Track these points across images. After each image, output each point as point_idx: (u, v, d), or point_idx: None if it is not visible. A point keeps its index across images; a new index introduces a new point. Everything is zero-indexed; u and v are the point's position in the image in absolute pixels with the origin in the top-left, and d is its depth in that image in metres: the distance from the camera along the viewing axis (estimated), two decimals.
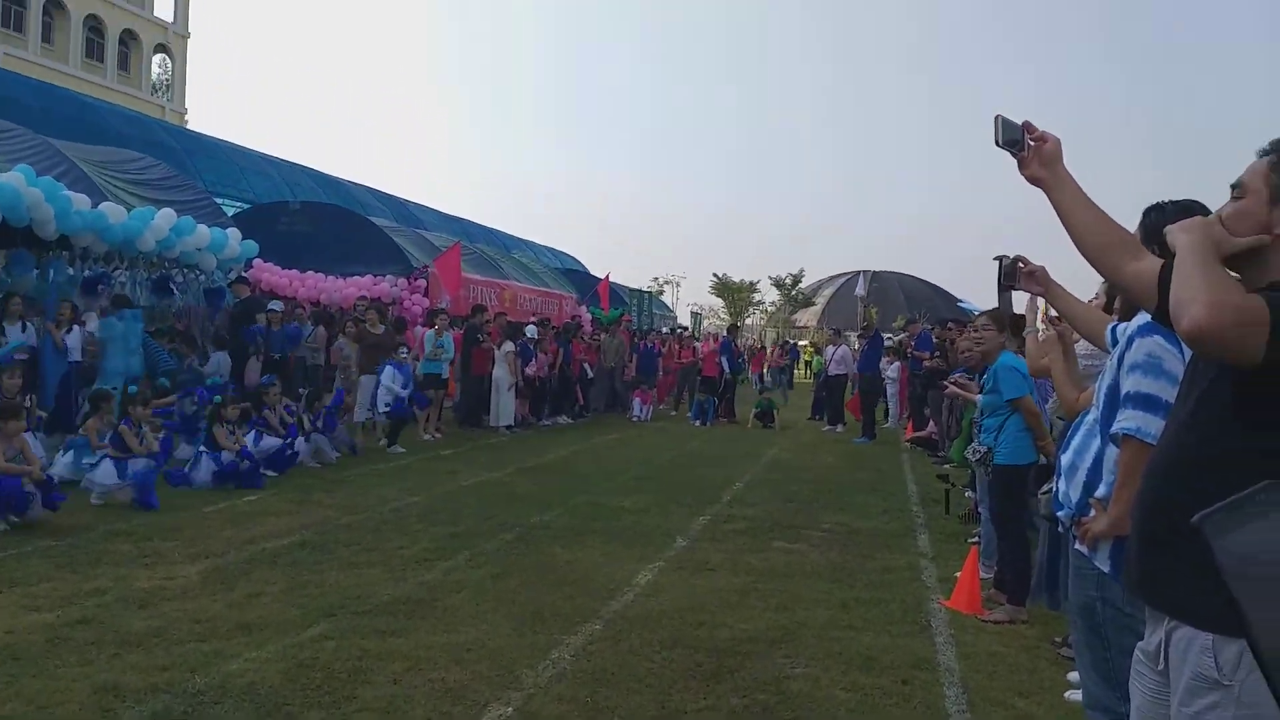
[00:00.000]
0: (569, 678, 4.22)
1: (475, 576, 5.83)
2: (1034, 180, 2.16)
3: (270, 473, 9.05)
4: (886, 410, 18.20)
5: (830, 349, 17.82)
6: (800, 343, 39.58)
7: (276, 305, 12.88)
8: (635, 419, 17.50)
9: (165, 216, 12.95)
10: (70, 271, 12.57)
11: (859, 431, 15.56)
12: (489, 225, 36.03)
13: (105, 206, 12.02)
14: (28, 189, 10.84)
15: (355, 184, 29.30)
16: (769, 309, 57.69)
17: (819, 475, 11.05)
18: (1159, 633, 2.12)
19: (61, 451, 8.35)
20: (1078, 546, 2.79)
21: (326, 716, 3.66)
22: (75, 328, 11.06)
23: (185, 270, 14.28)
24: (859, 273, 54.46)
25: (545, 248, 39.30)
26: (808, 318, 54.90)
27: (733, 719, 3.84)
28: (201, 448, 8.52)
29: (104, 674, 3.96)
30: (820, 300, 57.08)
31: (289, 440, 9.40)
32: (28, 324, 10.41)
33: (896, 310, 42.30)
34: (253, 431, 9.14)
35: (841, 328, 21.52)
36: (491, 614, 5.09)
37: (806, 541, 7.31)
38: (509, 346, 14.44)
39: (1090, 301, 4.00)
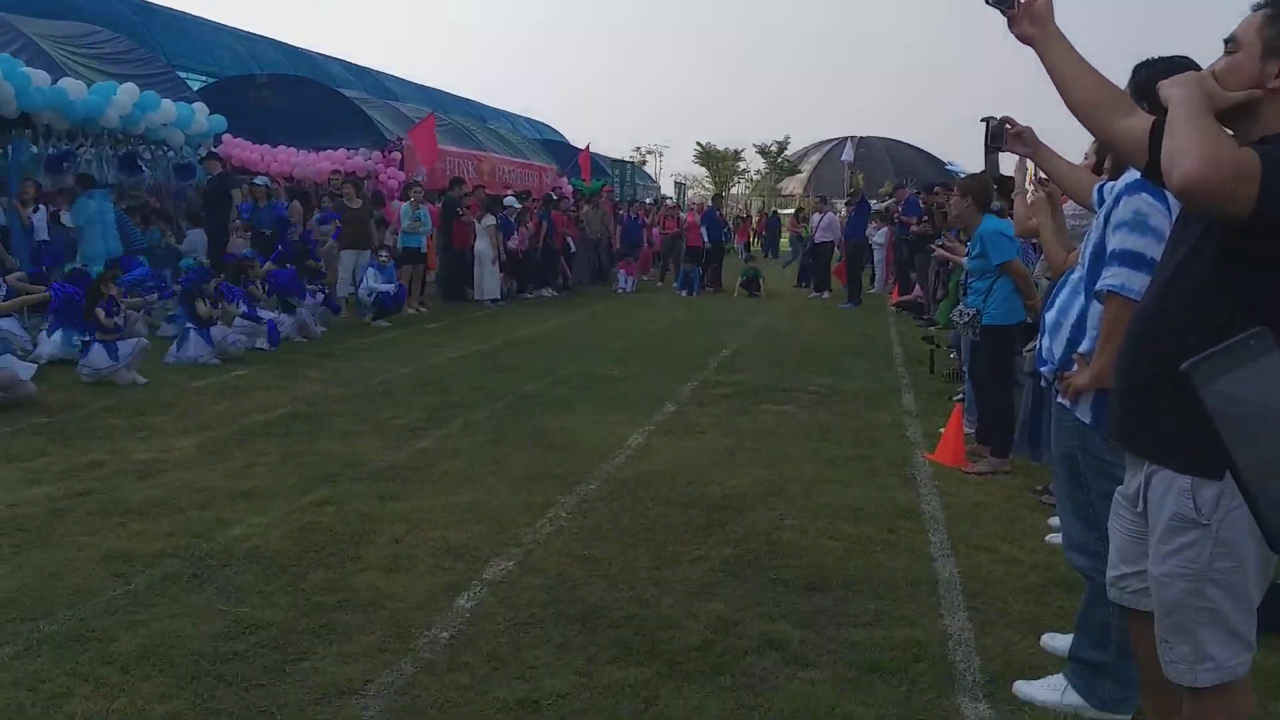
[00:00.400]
0: (566, 534, 4.34)
1: (469, 443, 5.92)
2: (1024, 38, 2.10)
3: (265, 346, 9.06)
4: (873, 276, 18.22)
5: (816, 216, 17.71)
6: (784, 211, 39.17)
7: (263, 180, 12.55)
8: (620, 291, 17.46)
9: (128, 92, 12.49)
10: (34, 150, 12.20)
11: (845, 297, 15.62)
12: (464, 96, 34.89)
13: (65, 82, 11.58)
14: None
15: (324, 55, 28.14)
16: (754, 177, 56.87)
17: (806, 340, 11.14)
18: (1138, 477, 2.18)
19: (46, 331, 8.28)
20: (1060, 400, 2.85)
21: (332, 575, 3.77)
22: (40, 206, 10.80)
23: (153, 146, 13.87)
24: (845, 139, 53.53)
25: (524, 118, 38.21)
26: (794, 185, 54.16)
27: (725, 568, 3.98)
28: (187, 324, 8.45)
29: (110, 542, 4.05)
30: (806, 167, 56.19)
31: (276, 314, 9.38)
32: None
33: (884, 175, 41.74)
34: (241, 303, 9.12)
35: (828, 194, 21.25)
36: (488, 477, 5.19)
37: (794, 403, 7.43)
38: (490, 220, 14.23)
39: (1080, 162, 3.94)
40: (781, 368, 9.09)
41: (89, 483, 4.88)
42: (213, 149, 14.12)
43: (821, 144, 58.93)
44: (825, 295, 16.69)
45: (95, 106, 11.96)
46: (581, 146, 27.01)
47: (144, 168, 14.04)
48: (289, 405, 6.81)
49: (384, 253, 12.11)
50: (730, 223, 24.16)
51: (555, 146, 29.54)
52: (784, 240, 32.75)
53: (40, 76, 11.23)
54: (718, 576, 3.88)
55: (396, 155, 16.63)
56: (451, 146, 19.15)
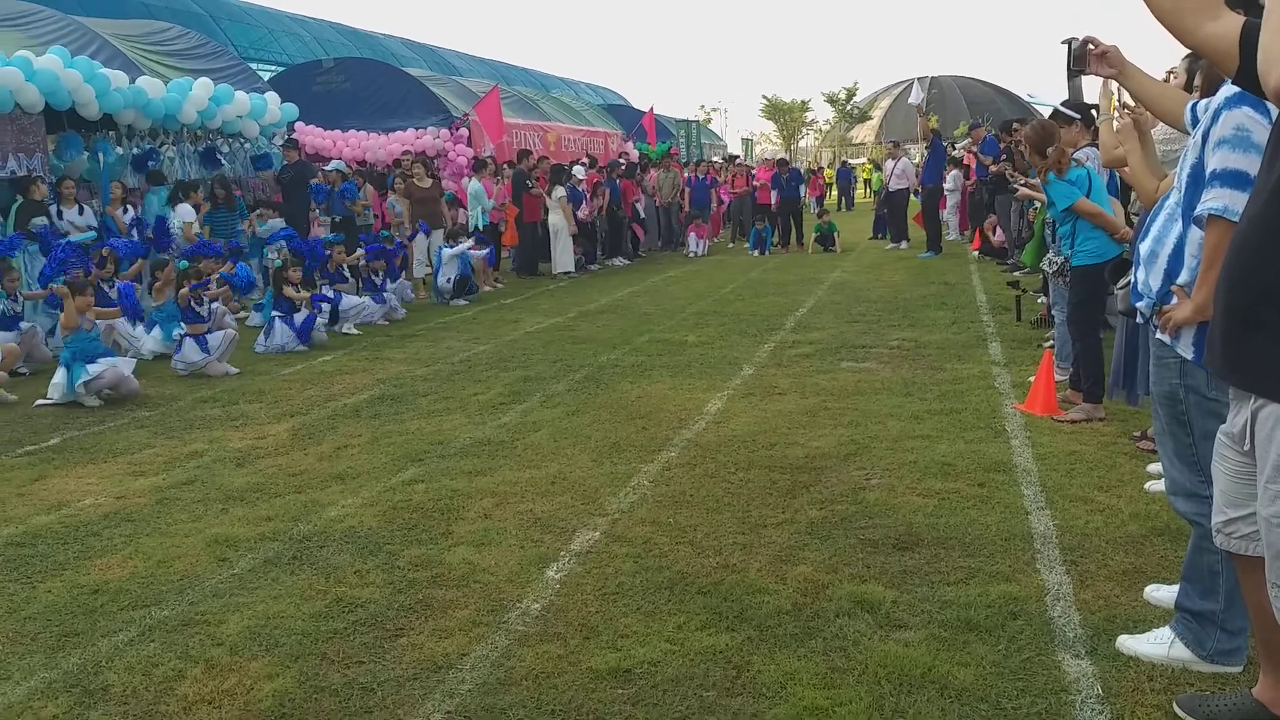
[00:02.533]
0: (650, 502, 4.35)
1: (550, 416, 5.97)
2: None
3: (353, 330, 9.32)
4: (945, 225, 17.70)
5: (890, 163, 17.18)
6: (856, 160, 38.30)
7: (339, 165, 12.79)
8: (692, 255, 17.33)
9: (203, 86, 12.83)
10: (119, 150, 12.62)
11: (924, 246, 15.20)
12: (526, 66, 34.93)
13: (143, 81, 11.93)
14: (65, 71, 10.79)
15: (386, 36, 28.52)
16: (823, 128, 55.67)
17: (884, 294, 10.90)
18: (1244, 413, 2.07)
19: (145, 328, 8.63)
20: (1159, 335, 2.71)
21: (426, 552, 3.86)
22: (127, 207, 11.22)
23: (229, 139, 14.24)
24: (916, 79, 51.84)
25: (585, 84, 38.14)
26: (864, 133, 52.85)
27: (812, 530, 3.94)
28: (274, 313, 8.71)
29: (214, 528, 4.22)
30: (877, 114, 54.74)
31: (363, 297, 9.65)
32: (84, 207, 10.58)
33: (958, 116, 40.43)
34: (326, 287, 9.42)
35: (901, 140, 20.64)
36: (570, 449, 5.24)
37: (875, 359, 7.29)
38: (560, 192, 14.21)
39: (1168, 79, 3.71)
40: (861, 323, 8.91)
41: (191, 472, 5.09)
42: (290, 136, 14.44)
43: (891, 88, 57.30)
44: (904, 245, 16.26)
45: (174, 103, 12.33)
46: (645, 109, 26.82)
47: (223, 160, 14.46)
48: (375, 388, 6.98)
49: (464, 238, 12.17)
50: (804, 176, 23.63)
51: (619, 110, 29.40)
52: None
53: (119, 77, 11.60)
54: (805, 539, 3.84)
55: (464, 132, 16.77)
56: (516, 118, 19.22)
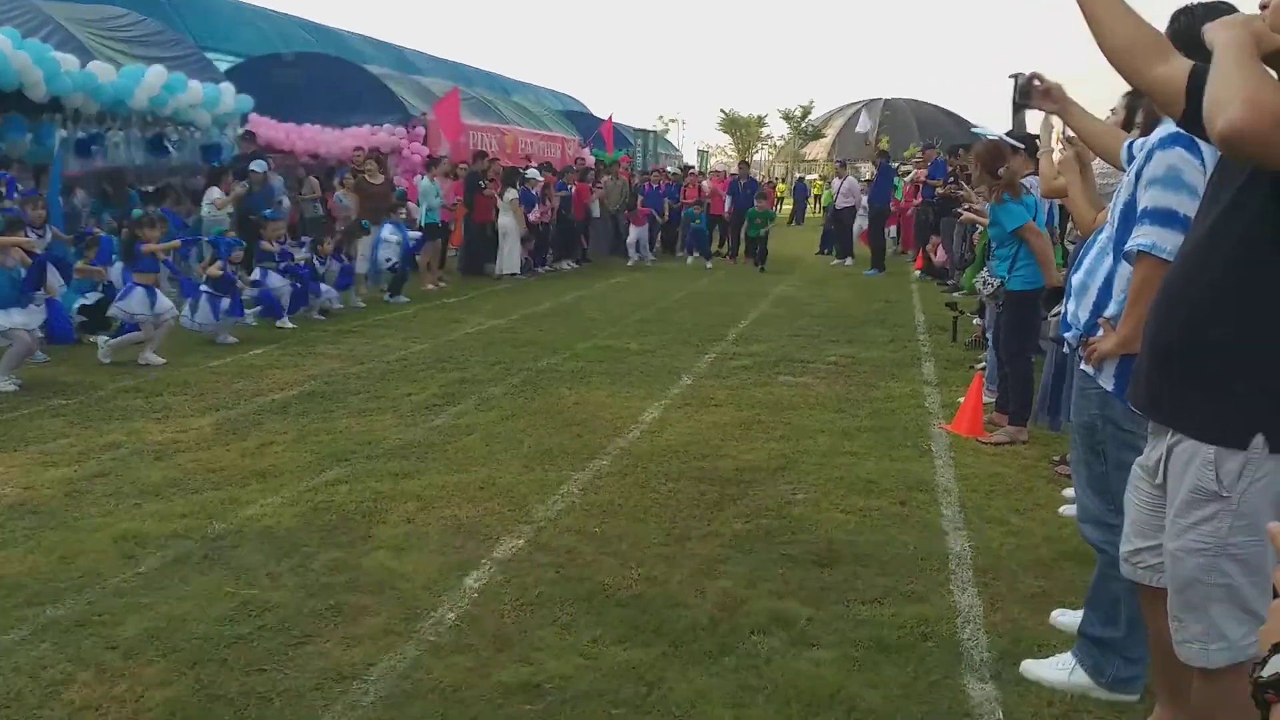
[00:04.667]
0: (578, 510, 4.32)
1: (484, 419, 5.91)
2: None
3: (287, 325, 9.12)
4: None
5: (836, 181, 17.45)
6: (809, 176, 38.73)
7: (259, 165, 12.55)
8: (634, 260, 17.03)
9: (156, 74, 12.53)
10: (63, 134, 12.25)
11: (869, 264, 15.41)
12: (487, 69, 34.69)
13: (94, 66, 11.63)
14: (14, 52, 10.47)
15: (349, 32, 28.07)
16: (778, 144, 56.22)
17: (827, 309, 11.01)
18: (1160, 448, 2.11)
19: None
20: (1083, 366, 2.76)
21: (344, 555, 3.78)
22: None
23: (180, 128, 13.92)
24: (868, 102, 52.63)
25: (546, 89, 37.95)
26: (818, 150, 53.48)
27: (735, 543, 3.94)
28: (202, 287, 8.44)
29: (124, 523, 4.08)
30: (830, 131, 55.42)
31: (299, 280, 9.44)
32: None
33: (909, 138, 41.05)
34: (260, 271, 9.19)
35: (852, 159, 20.95)
36: (501, 454, 5.18)
37: (812, 374, 7.35)
38: (511, 194, 14.14)
39: (1106, 117, 3.80)
40: (801, 338, 8.99)
41: (105, 464, 4.93)
42: (248, 129, 14.19)
43: (845, 107, 58.04)
44: (848, 262, 16.47)
45: (124, 89, 12.01)
46: (605, 116, 26.80)
47: (170, 149, 14.10)
48: (305, 384, 6.83)
49: (401, 211, 11.98)
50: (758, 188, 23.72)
51: (578, 117, 29.31)
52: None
53: (69, 60, 11.28)
54: (728, 552, 3.85)
55: (421, 130, 16.60)
56: (475, 120, 19.07)
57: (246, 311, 8.90)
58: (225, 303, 8.37)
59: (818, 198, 34.58)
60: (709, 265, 16.43)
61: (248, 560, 3.72)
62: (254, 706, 2.69)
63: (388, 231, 11.44)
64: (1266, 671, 1.07)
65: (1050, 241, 5.74)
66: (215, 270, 8.43)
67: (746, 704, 2.73)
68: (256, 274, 9.18)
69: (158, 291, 7.60)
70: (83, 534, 3.96)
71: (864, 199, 17.03)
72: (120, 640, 3.05)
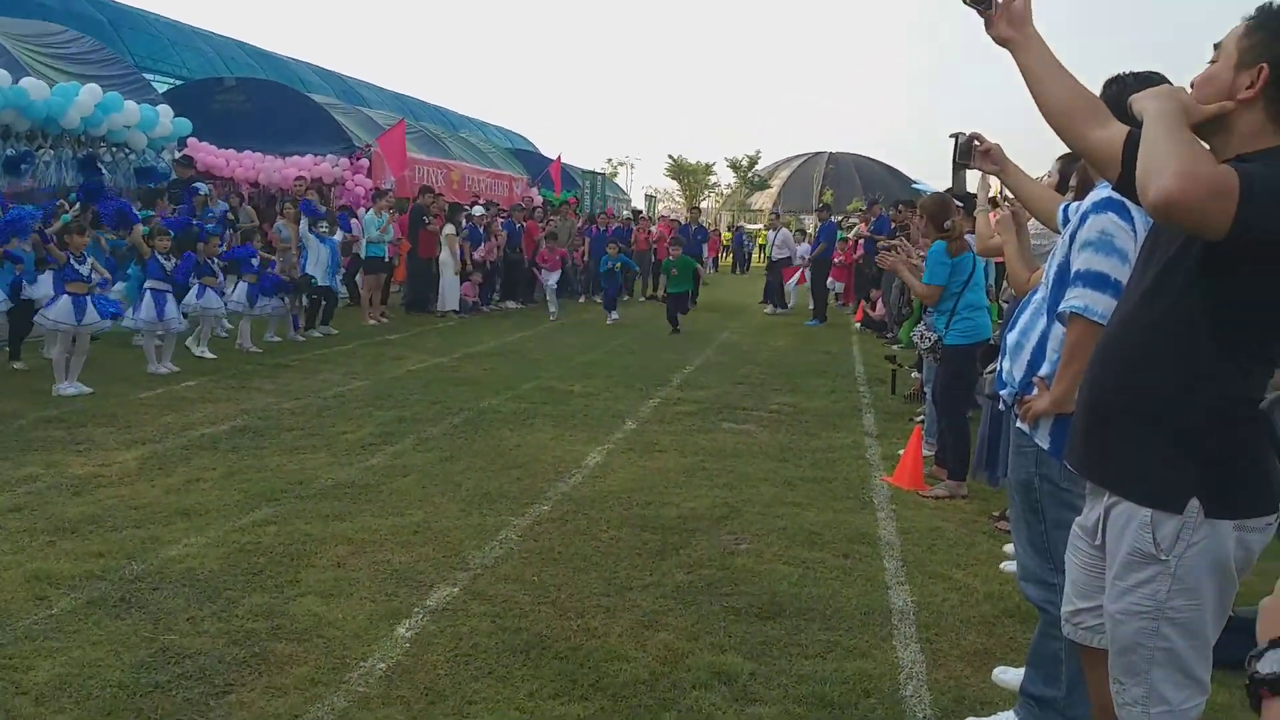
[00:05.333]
0: (516, 557, 4.22)
1: (422, 460, 5.78)
2: (1001, 40, 2.05)
3: (206, 354, 8.87)
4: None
5: (771, 233, 17.86)
6: (754, 226, 39.35)
7: (202, 187, 12.25)
8: (554, 314, 15.18)
9: (91, 92, 12.25)
10: None
11: (810, 315, 15.63)
12: (435, 104, 34.71)
13: (26, 82, 11.34)
14: None
15: (294, 59, 27.86)
16: (724, 191, 57.12)
17: (769, 358, 11.10)
18: (1098, 508, 2.13)
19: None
20: (1019, 424, 2.79)
21: (269, 600, 3.63)
22: None
23: (114, 149, 13.59)
24: (813, 155, 53.89)
25: (495, 127, 38.07)
26: (764, 200, 54.48)
27: (678, 594, 3.88)
28: (147, 285, 8.22)
29: (36, 562, 3.87)
30: (776, 182, 56.56)
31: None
32: None
33: (852, 192, 42.11)
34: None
35: (797, 210, 21.40)
36: (438, 497, 5.06)
37: (755, 422, 7.37)
38: (449, 229, 14.07)
39: (1042, 179, 3.91)
40: (744, 385, 9.03)
41: (20, 498, 4.69)
42: (186, 154, 13.92)
43: (792, 159, 59.37)
44: (775, 310, 16.78)
45: (57, 107, 11.72)
46: (553, 156, 26.94)
47: (103, 170, 13.75)
48: (237, 418, 6.62)
49: (324, 224, 11.69)
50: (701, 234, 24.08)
51: (527, 156, 29.42)
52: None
53: (1, 76, 10.99)
54: (669, 604, 3.79)
55: (365, 163, 16.47)
56: (421, 154, 19.00)
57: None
58: (169, 302, 8.15)
59: (762, 247, 35.18)
60: (613, 318, 13.93)
61: (168, 604, 3.55)
62: None
63: (312, 249, 11.16)
64: (1264, 668, 1.06)
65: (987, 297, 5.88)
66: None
67: None
68: (194, 291, 8.94)
69: (87, 301, 7.35)
70: None
71: (799, 250, 17.41)
72: (30, 685, 2.87)
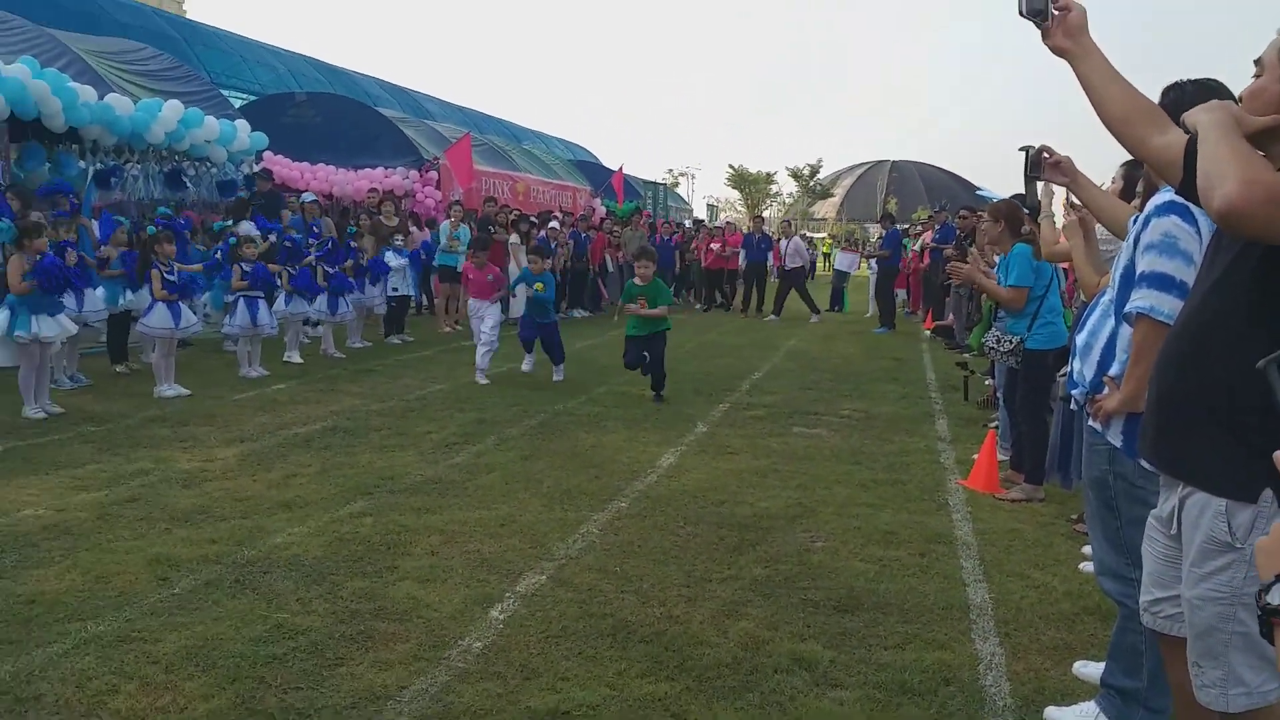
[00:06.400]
0: (598, 550, 4.38)
1: (503, 459, 5.99)
2: (1058, 51, 2.12)
3: (295, 359, 9.23)
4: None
5: (784, 242, 17.85)
6: (818, 235, 39.15)
7: (311, 196, 12.74)
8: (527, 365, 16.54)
9: (173, 108, 12.79)
10: (81, 165, 12.50)
11: (879, 322, 15.56)
12: (499, 116, 35.36)
13: (112, 98, 11.87)
14: (33, 81, 10.72)
15: (361, 74, 28.67)
16: (786, 200, 56.94)
17: (837, 365, 11.13)
18: (1173, 499, 2.19)
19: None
20: (1091, 423, 2.85)
21: (369, 585, 3.84)
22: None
23: (196, 163, 14.18)
24: (876, 163, 53.42)
25: (557, 139, 38.62)
26: (826, 209, 54.14)
27: (755, 587, 4.00)
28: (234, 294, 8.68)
29: (156, 547, 4.15)
30: (839, 191, 56.15)
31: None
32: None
33: (917, 200, 41.63)
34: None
35: (861, 218, 21.35)
36: (521, 493, 5.25)
37: (825, 426, 7.43)
38: (514, 238, 14.41)
39: (1106, 186, 3.95)
40: (813, 391, 9.09)
41: (135, 490, 5.01)
42: (265, 167, 14.46)
43: (855, 167, 58.91)
44: (773, 319, 16.80)
45: (141, 122, 12.26)
46: (615, 168, 27.25)
47: (188, 184, 14.37)
48: (328, 419, 6.93)
49: (399, 237, 12.12)
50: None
51: (589, 167, 29.80)
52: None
53: (87, 92, 11.52)
54: (748, 595, 3.90)
55: (434, 175, 16.92)
56: (487, 167, 19.42)
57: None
58: (261, 308, 8.57)
59: (826, 255, 35.03)
60: (525, 368, 9.52)
61: (278, 586, 3.79)
62: None
63: (389, 258, 11.59)
64: (1274, 599, 1.17)
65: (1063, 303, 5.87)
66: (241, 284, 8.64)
67: None
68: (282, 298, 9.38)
69: (181, 307, 7.76)
70: (117, 555, 4.03)
71: (810, 258, 17.55)
72: (161, 656, 3.11)
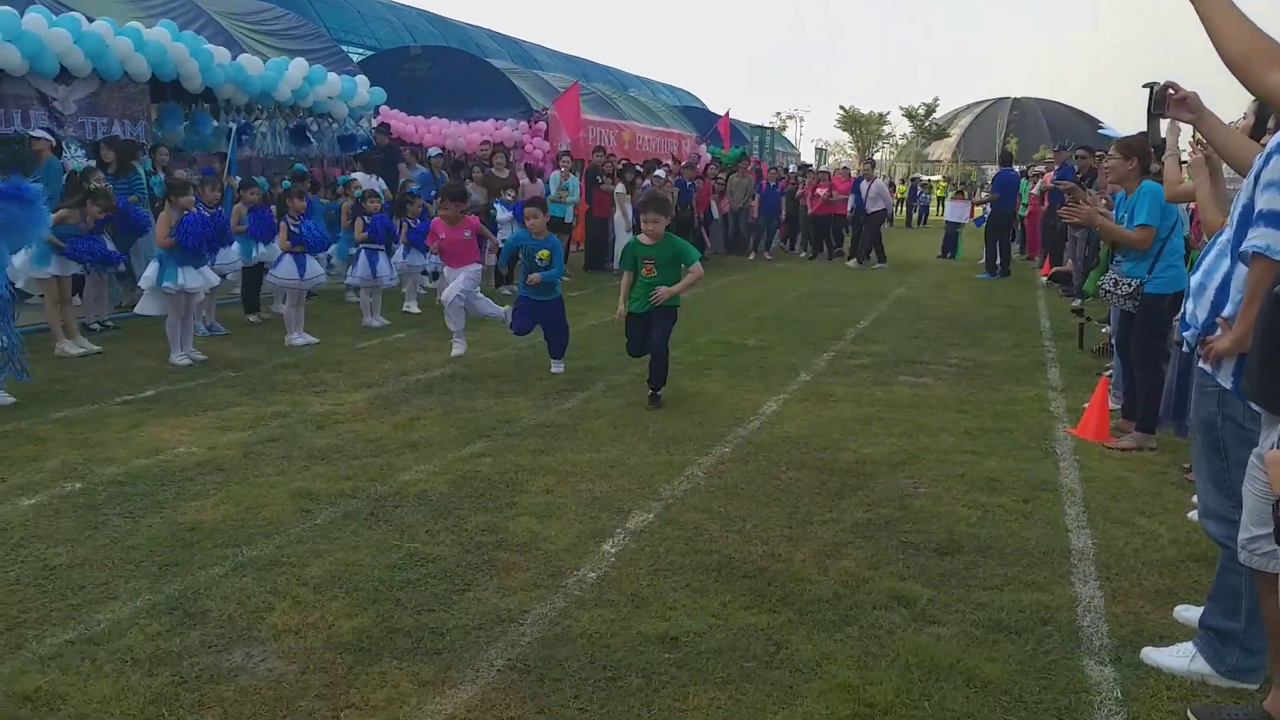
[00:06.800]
0: (703, 491, 4.57)
1: (611, 405, 6.22)
2: None
3: (414, 309, 9.69)
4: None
5: (865, 183, 17.26)
6: (932, 178, 37.92)
7: (436, 151, 13.18)
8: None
9: (298, 66, 13.35)
10: (215, 124, 13.21)
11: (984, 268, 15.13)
12: (605, 64, 35.33)
13: (243, 58, 12.48)
14: (172, 44, 11.36)
15: (471, 25, 29.09)
16: (900, 142, 55.17)
17: (947, 313, 10.95)
18: (1273, 436, 2.21)
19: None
20: (1202, 365, 2.84)
21: (491, 518, 4.14)
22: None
23: (319, 119, 14.78)
24: (996, 100, 51.16)
25: (663, 85, 38.39)
26: (941, 150, 52.23)
27: (857, 530, 4.11)
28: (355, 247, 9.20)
29: (297, 482, 4.55)
30: (956, 131, 54.04)
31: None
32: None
33: (1039, 139, 39.71)
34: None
35: (980, 160, 20.60)
36: (628, 436, 5.48)
37: (932, 375, 7.40)
38: (620, 188, 14.56)
39: (1236, 123, 3.81)
40: (921, 340, 9.00)
41: (274, 430, 5.45)
42: (383, 121, 14.96)
43: (973, 105, 56.54)
44: (857, 263, 16.52)
45: (270, 81, 12.86)
46: (721, 112, 26.96)
47: (312, 139, 15.02)
48: (447, 366, 7.31)
49: (509, 191, 12.44)
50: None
51: (694, 113, 29.57)
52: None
53: (221, 53, 12.14)
54: (849, 537, 4.03)
55: (542, 125, 17.16)
56: (593, 115, 19.55)
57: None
58: (381, 260, 9.05)
59: (940, 200, 33.98)
60: (456, 351, 7.73)
61: (408, 518, 4.12)
62: (429, 639, 3.04)
63: (498, 211, 11.91)
64: None
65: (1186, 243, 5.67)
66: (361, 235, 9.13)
67: (869, 667, 2.92)
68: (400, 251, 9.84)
69: (308, 259, 8.25)
70: (263, 489, 4.44)
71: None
72: (309, 579, 3.47)
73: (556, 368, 7.19)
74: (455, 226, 7.65)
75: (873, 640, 3.10)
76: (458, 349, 7.69)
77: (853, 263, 16.61)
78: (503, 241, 10.10)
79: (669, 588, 3.48)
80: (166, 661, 2.87)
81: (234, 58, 12.36)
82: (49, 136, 9.73)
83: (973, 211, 18.58)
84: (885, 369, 7.59)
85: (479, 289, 7.86)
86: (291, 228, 8.28)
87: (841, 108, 54.13)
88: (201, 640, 3.00)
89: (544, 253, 7.01)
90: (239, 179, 10.35)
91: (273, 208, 9.15)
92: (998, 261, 15.24)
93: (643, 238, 6.38)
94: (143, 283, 7.43)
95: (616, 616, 3.24)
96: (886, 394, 6.72)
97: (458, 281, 7.53)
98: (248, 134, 13.28)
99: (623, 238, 14.70)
